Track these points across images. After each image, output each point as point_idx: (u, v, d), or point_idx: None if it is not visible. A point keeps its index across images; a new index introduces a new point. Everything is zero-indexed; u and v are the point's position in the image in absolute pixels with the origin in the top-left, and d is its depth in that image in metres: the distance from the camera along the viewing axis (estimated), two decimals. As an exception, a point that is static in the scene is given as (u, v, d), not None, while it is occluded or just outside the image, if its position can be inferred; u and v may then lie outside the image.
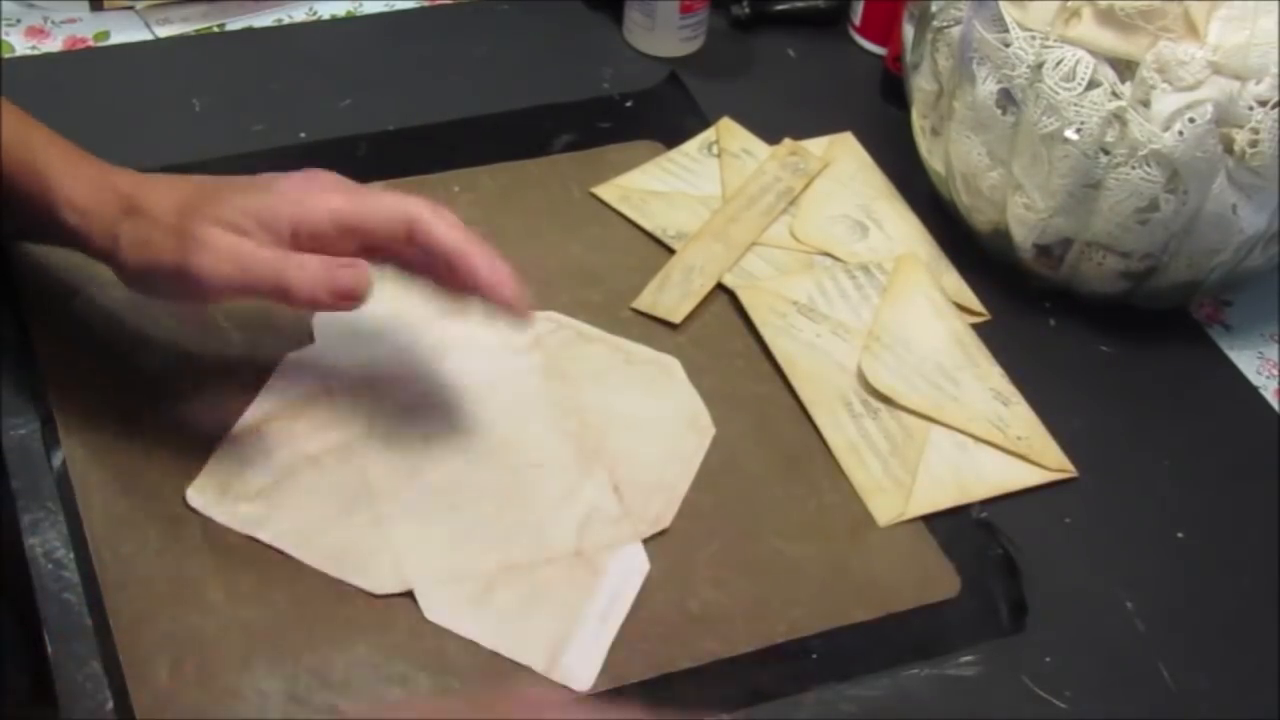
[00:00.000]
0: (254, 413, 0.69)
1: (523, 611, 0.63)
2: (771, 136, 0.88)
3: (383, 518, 0.66)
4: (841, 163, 0.87)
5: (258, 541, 0.64)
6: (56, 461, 0.66)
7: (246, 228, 0.62)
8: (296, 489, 0.66)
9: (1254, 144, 0.69)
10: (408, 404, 0.70)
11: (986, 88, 0.74)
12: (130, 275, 0.64)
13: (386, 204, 0.64)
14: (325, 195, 0.64)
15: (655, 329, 0.77)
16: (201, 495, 0.66)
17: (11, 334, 0.71)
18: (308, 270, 0.62)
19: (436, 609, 0.63)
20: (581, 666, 0.62)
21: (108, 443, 0.67)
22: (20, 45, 0.89)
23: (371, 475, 0.67)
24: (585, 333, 0.75)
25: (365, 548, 0.65)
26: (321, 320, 0.73)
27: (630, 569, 0.66)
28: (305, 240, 0.63)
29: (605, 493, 0.68)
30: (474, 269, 0.64)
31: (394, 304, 0.73)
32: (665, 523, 0.68)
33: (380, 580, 0.64)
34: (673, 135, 0.88)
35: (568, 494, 0.68)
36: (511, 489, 0.68)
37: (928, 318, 0.78)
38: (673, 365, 0.74)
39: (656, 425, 0.72)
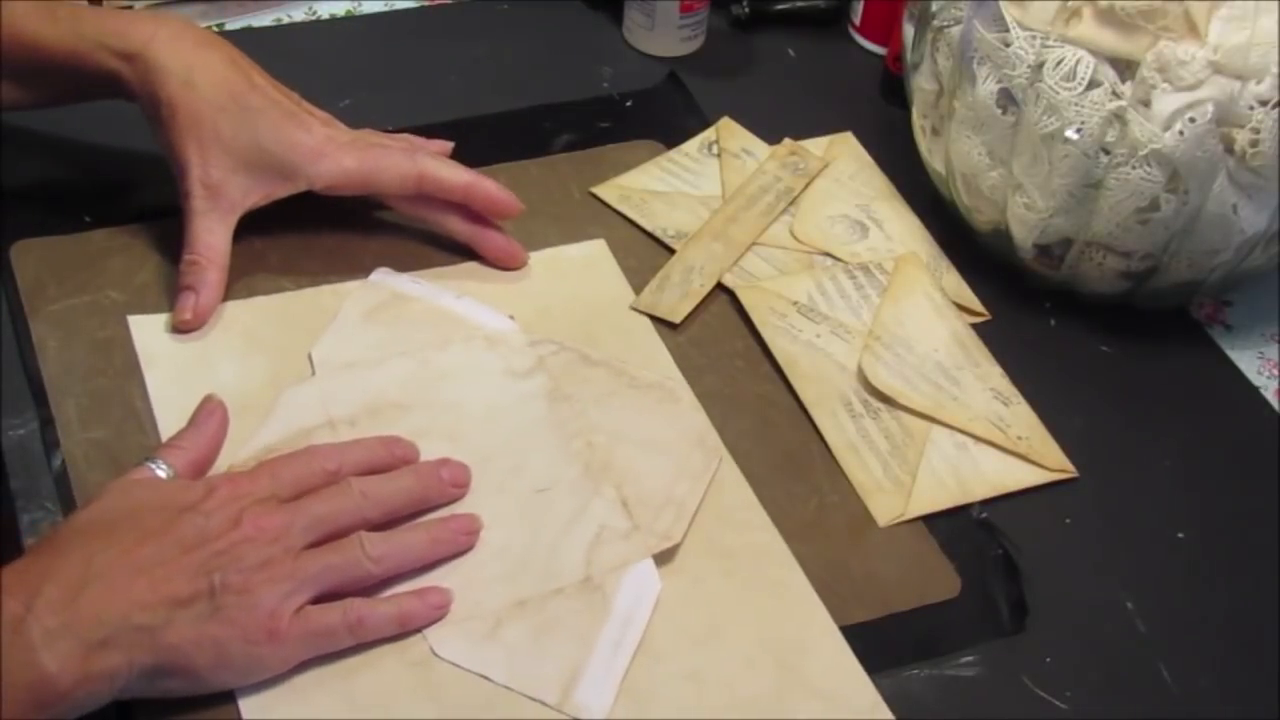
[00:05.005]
0: (254, 447, 0.67)
1: (534, 645, 0.61)
2: (771, 136, 0.88)
3: None
4: (841, 163, 0.87)
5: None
6: (56, 462, 0.66)
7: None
8: None
9: (1254, 144, 0.69)
10: (410, 435, 0.68)
11: (987, 87, 0.74)
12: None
13: (395, 162, 0.74)
14: (340, 153, 0.73)
15: (655, 329, 0.77)
16: None
17: (11, 334, 0.71)
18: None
19: (447, 644, 0.61)
20: (595, 697, 0.60)
21: (108, 443, 0.67)
22: (20, 45, 0.89)
23: None
24: (589, 356, 0.73)
25: None
26: (321, 352, 0.72)
27: (642, 591, 0.64)
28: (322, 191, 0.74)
29: (614, 509, 0.66)
30: (488, 192, 0.76)
31: (393, 333, 0.73)
32: (676, 538, 0.66)
33: None
34: (673, 135, 0.88)
35: (576, 514, 0.66)
36: (518, 516, 0.66)
37: (928, 317, 0.78)
38: (679, 388, 0.73)
39: (664, 444, 0.70)
